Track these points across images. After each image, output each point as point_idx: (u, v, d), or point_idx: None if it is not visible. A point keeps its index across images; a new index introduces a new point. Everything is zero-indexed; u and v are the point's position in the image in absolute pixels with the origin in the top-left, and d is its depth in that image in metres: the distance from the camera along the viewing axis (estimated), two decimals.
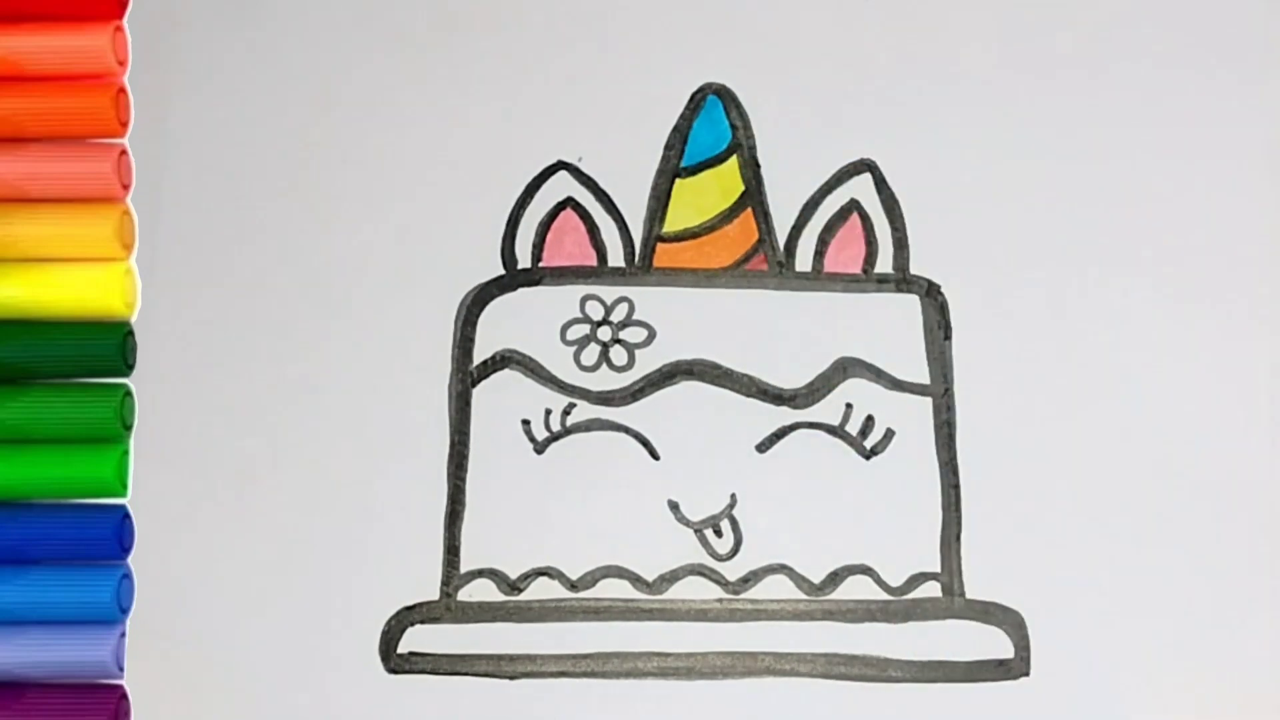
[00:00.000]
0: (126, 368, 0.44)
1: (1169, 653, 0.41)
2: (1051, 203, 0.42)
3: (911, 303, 0.43)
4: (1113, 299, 0.42)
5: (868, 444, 0.42)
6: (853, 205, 0.43)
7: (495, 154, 0.44)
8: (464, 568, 0.42)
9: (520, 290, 0.43)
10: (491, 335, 0.43)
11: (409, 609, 0.42)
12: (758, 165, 0.43)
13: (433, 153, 0.44)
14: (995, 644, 0.42)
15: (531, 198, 0.43)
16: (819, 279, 0.43)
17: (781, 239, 0.43)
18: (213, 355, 0.44)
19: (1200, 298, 0.42)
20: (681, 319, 0.43)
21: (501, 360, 0.43)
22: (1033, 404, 0.42)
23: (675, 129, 0.43)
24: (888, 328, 0.43)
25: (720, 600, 0.42)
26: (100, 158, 0.44)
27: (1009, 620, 0.42)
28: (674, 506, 0.42)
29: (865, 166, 0.43)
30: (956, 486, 0.42)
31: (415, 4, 0.44)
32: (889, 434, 0.42)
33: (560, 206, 0.43)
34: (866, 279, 0.43)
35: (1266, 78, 0.42)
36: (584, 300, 0.43)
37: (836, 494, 0.42)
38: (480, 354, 0.43)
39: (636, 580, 0.42)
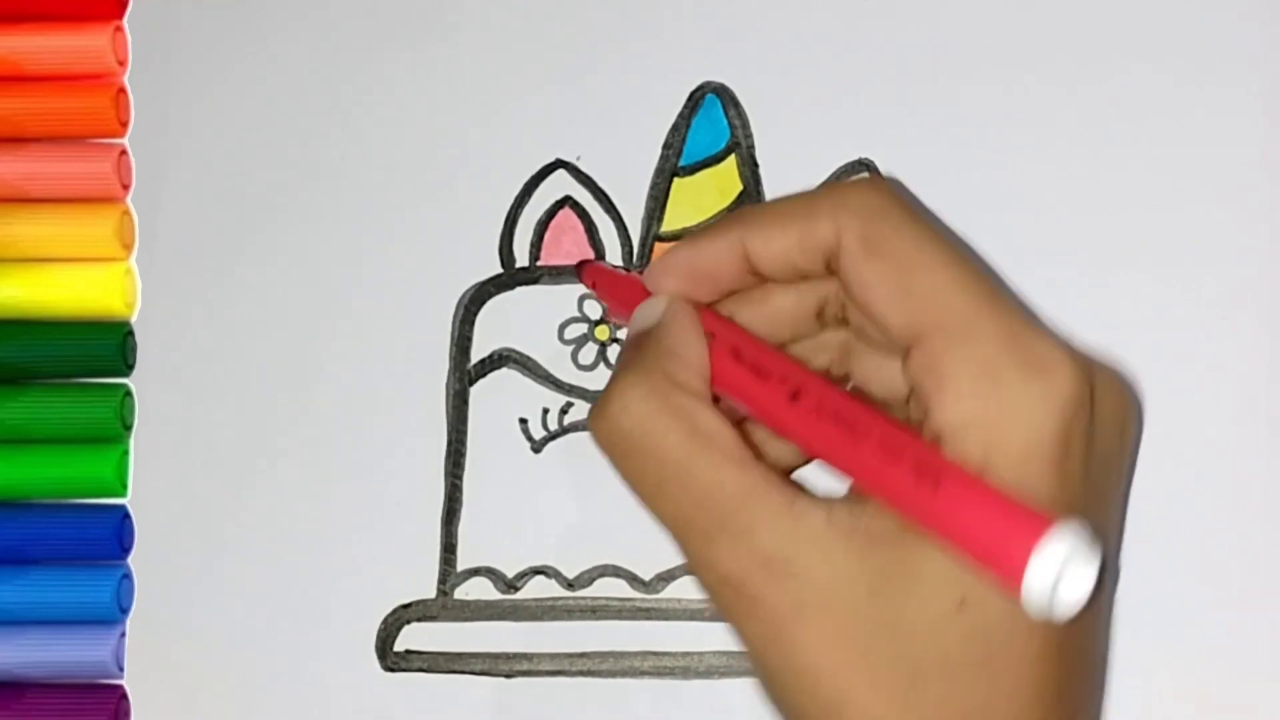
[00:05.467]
0: (126, 368, 0.44)
1: (1167, 652, 0.40)
2: (1051, 203, 0.42)
3: None
4: (1113, 299, 0.42)
5: None
6: None
7: (493, 152, 0.44)
8: (460, 566, 0.42)
9: (518, 289, 0.43)
10: (489, 334, 0.43)
11: (405, 607, 0.42)
12: (756, 165, 0.43)
13: (431, 152, 0.44)
14: None
15: (529, 196, 0.43)
16: None
17: None
18: (213, 355, 0.44)
19: (1200, 298, 0.42)
20: None
21: (499, 359, 0.43)
22: None
23: (673, 128, 0.43)
24: None
25: None
26: (100, 158, 0.44)
27: None
28: None
29: (864, 166, 0.43)
30: None
31: (414, 3, 0.44)
32: None
33: (558, 205, 0.43)
34: None
35: (1267, 78, 0.42)
36: (582, 299, 0.43)
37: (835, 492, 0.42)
38: (478, 353, 0.43)
39: (633, 579, 0.42)
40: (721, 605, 0.31)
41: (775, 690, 0.31)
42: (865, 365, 0.35)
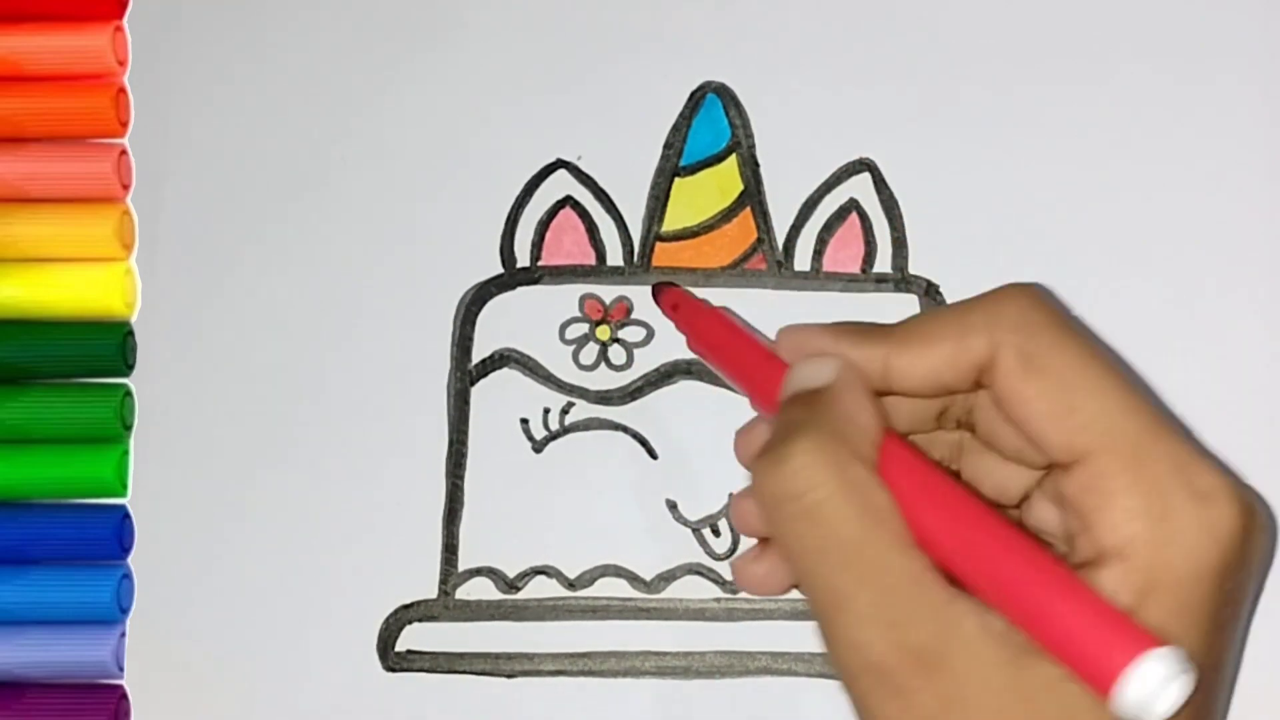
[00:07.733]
0: (126, 368, 0.44)
1: None
2: (1051, 203, 0.42)
3: (910, 302, 0.43)
4: (1112, 299, 0.42)
5: None
6: (852, 205, 0.43)
7: (494, 152, 0.44)
8: (462, 566, 0.42)
9: (519, 289, 0.43)
10: (490, 334, 0.43)
11: (407, 607, 0.42)
12: (757, 164, 0.43)
13: (432, 152, 0.44)
14: None
15: (530, 196, 0.43)
16: (818, 278, 0.43)
17: (780, 238, 0.43)
18: (213, 355, 0.44)
19: (1200, 298, 0.42)
20: None
21: (500, 359, 0.43)
22: None
23: (674, 128, 0.43)
24: None
25: (718, 599, 0.42)
26: (100, 158, 0.44)
27: None
28: (672, 506, 0.42)
29: (864, 166, 0.43)
30: None
31: (415, 3, 0.44)
32: None
33: (559, 205, 0.43)
34: (865, 278, 0.43)
35: (1267, 78, 0.42)
36: (583, 299, 0.43)
37: None
38: (479, 352, 0.43)
39: (634, 579, 0.42)
40: (860, 689, 0.30)
41: None
42: (981, 466, 0.35)
